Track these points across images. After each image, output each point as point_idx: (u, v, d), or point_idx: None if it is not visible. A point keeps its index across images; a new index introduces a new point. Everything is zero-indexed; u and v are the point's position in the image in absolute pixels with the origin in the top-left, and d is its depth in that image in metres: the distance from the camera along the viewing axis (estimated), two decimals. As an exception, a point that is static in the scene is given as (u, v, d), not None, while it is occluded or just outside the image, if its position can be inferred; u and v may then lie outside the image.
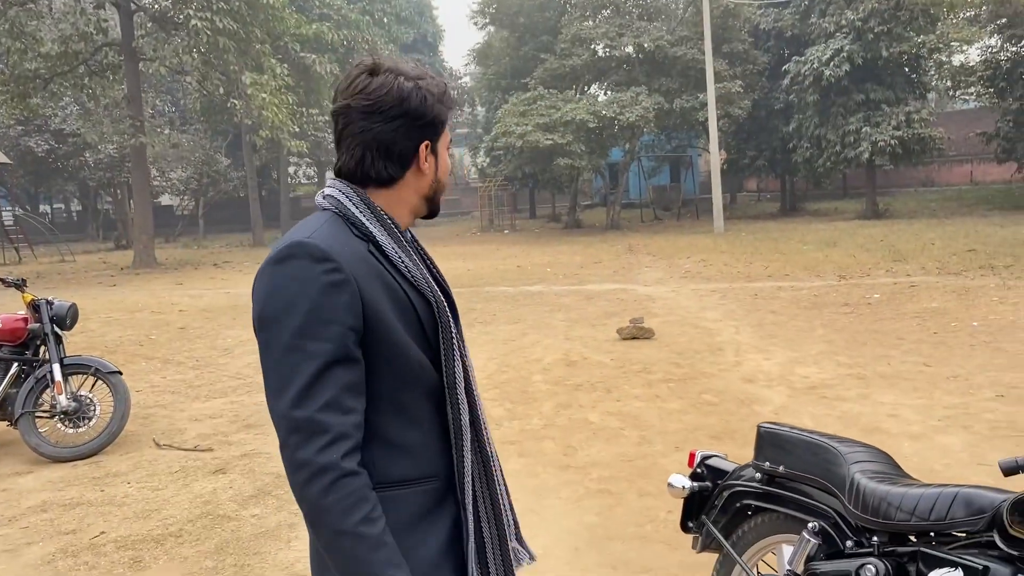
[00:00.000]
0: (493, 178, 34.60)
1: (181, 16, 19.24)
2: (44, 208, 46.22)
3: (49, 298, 5.80)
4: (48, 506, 4.76)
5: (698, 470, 2.76)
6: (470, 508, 1.50)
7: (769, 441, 2.51)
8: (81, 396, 5.73)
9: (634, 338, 8.75)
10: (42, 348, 5.76)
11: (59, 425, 5.65)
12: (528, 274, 15.98)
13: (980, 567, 1.87)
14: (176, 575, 3.77)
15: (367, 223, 1.46)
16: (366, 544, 1.30)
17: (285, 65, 21.15)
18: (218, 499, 4.70)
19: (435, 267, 1.66)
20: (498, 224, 34.81)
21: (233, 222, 40.84)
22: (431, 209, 1.60)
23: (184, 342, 10.05)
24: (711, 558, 2.75)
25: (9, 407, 5.59)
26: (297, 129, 21.55)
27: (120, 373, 5.79)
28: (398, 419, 1.44)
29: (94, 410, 5.76)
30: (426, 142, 1.50)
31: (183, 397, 7.19)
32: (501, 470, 1.69)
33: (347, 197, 1.48)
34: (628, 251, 19.99)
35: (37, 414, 5.61)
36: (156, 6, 21.86)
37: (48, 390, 5.64)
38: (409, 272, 1.46)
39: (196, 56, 19.92)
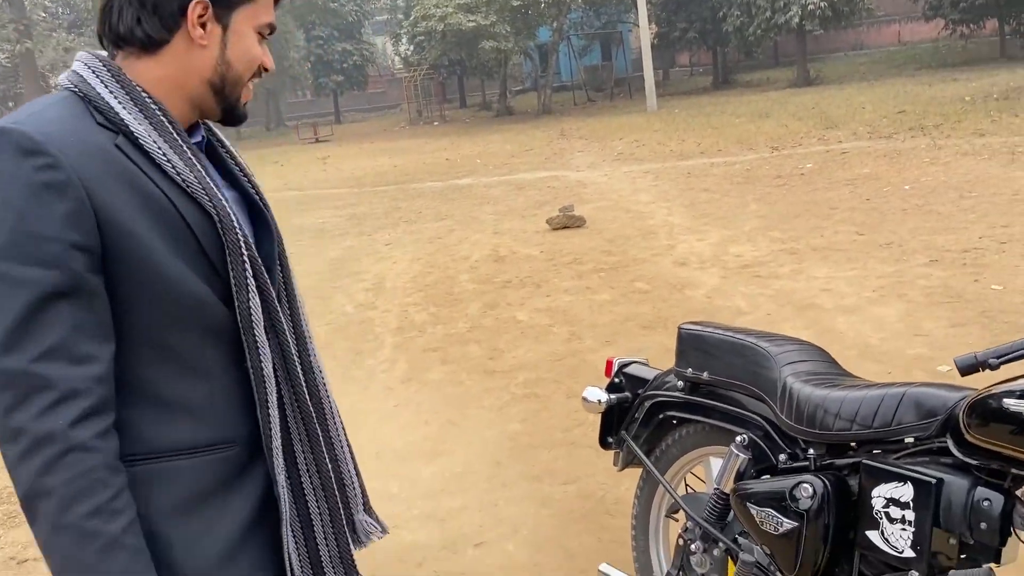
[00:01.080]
0: (418, 67, 33.19)
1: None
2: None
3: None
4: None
5: (616, 380, 2.45)
6: (281, 479, 1.16)
7: (691, 344, 2.19)
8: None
9: (564, 227, 8.40)
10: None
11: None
12: (457, 167, 15.37)
13: (932, 480, 1.59)
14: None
15: (117, 106, 1.04)
16: (96, 544, 0.95)
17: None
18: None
19: (254, 185, 1.26)
20: (427, 116, 33.62)
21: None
22: (225, 107, 1.17)
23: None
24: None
25: None
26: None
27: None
28: (169, 369, 1.08)
29: None
30: (201, 1, 1.08)
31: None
32: (342, 429, 1.34)
33: (92, 71, 1.07)
34: (560, 136, 19.43)
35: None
36: None
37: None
38: (178, 174, 1.06)
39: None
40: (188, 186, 1.06)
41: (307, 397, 1.21)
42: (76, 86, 1.06)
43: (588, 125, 21.33)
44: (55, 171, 0.96)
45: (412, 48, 32.80)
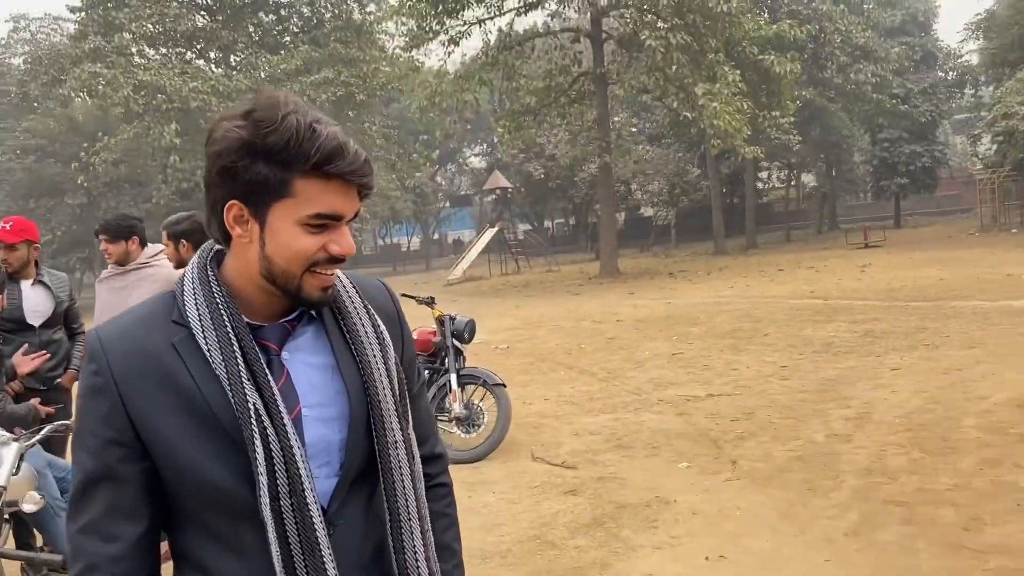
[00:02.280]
0: (999, 168, 29.48)
1: (641, 36, 20.28)
2: (548, 224, 52.89)
3: (452, 314, 6.48)
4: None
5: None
6: None
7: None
8: (472, 405, 6.28)
9: None
10: (446, 358, 6.46)
11: (455, 430, 6.28)
12: (1019, 285, 13.14)
13: None
14: (479, 597, 3.85)
15: (190, 303, 1.20)
16: None
17: (738, 71, 20.77)
18: (555, 522, 4.71)
19: (359, 352, 1.26)
20: (1003, 222, 29.52)
21: (702, 231, 41.66)
22: (288, 295, 1.19)
23: (606, 352, 10.45)
24: None
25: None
26: (748, 133, 21.01)
27: (504, 386, 6.21)
28: (211, 546, 1.22)
29: (482, 418, 6.27)
30: (233, 202, 1.14)
31: (578, 410, 7.44)
32: None
33: (191, 269, 1.25)
34: None
35: (439, 418, 6.30)
36: (621, 30, 23.33)
37: (447, 397, 6.30)
38: (214, 367, 1.16)
39: (655, 74, 20.76)
40: (222, 379, 1.15)
41: None
42: (176, 285, 1.24)
43: None
44: (98, 377, 1.17)
45: (993, 148, 29.41)
